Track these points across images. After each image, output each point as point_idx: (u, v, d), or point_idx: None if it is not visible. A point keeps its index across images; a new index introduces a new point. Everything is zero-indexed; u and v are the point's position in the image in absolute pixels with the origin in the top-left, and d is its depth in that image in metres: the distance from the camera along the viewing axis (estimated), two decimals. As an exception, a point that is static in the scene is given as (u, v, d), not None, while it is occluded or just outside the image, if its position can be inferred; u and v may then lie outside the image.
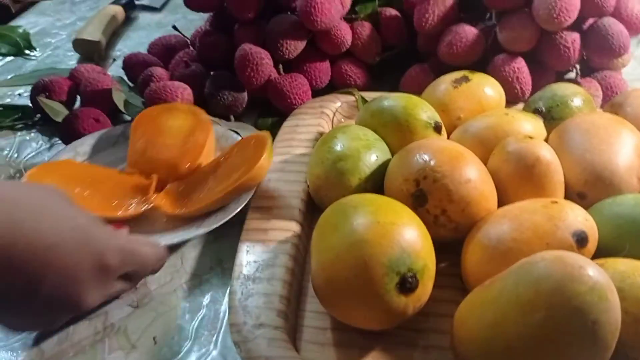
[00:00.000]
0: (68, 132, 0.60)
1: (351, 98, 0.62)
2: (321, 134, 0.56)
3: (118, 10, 0.89)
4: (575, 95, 0.53)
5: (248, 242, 0.46)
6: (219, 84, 0.62)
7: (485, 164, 0.46)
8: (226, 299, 0.45)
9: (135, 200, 0.51)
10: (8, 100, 0.72)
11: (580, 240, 0.38)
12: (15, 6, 1.06)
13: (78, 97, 0.67)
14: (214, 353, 0.42)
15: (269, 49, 0.62)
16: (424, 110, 0.51)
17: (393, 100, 0.52)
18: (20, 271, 0.34)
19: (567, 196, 0.45)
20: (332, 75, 0.66)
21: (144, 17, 0.92)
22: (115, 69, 0.75)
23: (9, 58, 0.82)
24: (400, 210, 0.40)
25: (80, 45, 0.81)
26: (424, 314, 0.41)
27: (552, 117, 0.53)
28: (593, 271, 0.32)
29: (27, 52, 0.83)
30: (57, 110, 0.63)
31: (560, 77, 0.62)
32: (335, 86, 0.66)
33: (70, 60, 0.81)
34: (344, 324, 0.40)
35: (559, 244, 0.38)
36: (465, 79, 0.56)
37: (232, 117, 0.63)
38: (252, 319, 0.40)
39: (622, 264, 0.37)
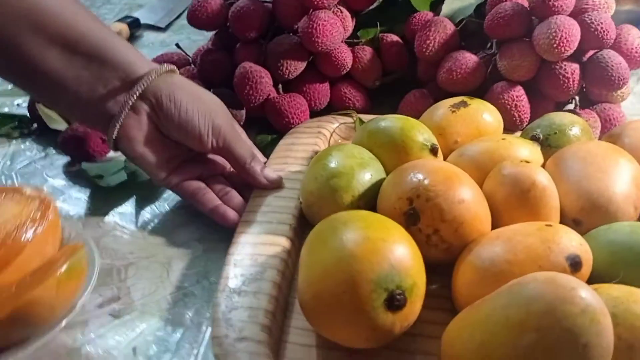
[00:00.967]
0: (76, 151, 0.60)
1: (349, 120, 0.62)
2: (317, 152, 0.56)
3: (123, 27, 0.90)
4: (574, 124, 0.53)
5: (236, 255, 0.45)
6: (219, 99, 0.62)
7: (481, 188, 0.46)
8: (210, 313, 0.44)
9: None
10: (6, 109, 0.72)
11: (575, 265, 0.38)
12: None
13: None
14: (195, 367, 0.41)
15: (270, 69, 0.63)
16: (420, 133, 0.51)
17: (390, 121, 0.52)
18: None
19: (563, 223, 0.45)
20: (331, 98, 0.66)
21: (148, 36, 0.93)
22: None
23: None
24: (391, 228, 0.39)
25: None
26: (412, 334, 0.40)
27: (550, 145, 0.52)
28: (585, 293, 0.32)
29: None
30: (54, 119, 0.63)
31: (559, 108, 0.62)
32: (335, 108, 0.66)
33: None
34: (330, 342, 0.39)
35: (553, 268, 0.37)
36: (464, 104, 0.56)
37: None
38: (234, 332, 0.39)
39: (616, 290, 0.36)
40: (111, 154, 0.61)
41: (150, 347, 0.42)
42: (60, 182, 0.60)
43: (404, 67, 0.68)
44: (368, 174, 0.48)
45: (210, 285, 0.47)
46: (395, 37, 0.68)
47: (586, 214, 0.44)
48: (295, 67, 0.63)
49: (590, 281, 0.39)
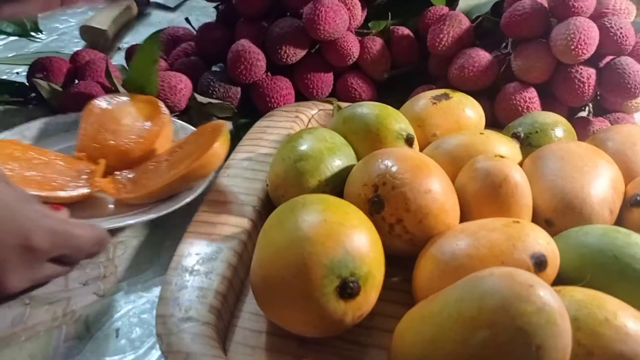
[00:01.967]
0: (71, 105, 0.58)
1: (330, 107, 0.60)
2: (291, 136, 0.54)
3: (132, 4, 0.88)
4: (557, 124, 0.52)
5: (194, 234, 0.43)
6: (214, 76, 0.61)
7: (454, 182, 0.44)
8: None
9: (79, 183, 0.48)
10: (5, 77, 0.70)
11: (539, 264, 0.36)
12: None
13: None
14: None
15: (268, 51, 0.61)
16: (397, 121, 0.49)
17: (367, 108, 0.50)
18: None
19: (535, 223, 0.43)
20: (337, 88, 0.64)
21: (156, 15, 0.92)
22: (119, 59, 0.74)
23: (13, 37, 0.80)
24: (351, 212, 0.38)
25: (87, 32, 0.80)
26: (367, 327, 0.38)
27: (530, 143, 0.51)
28: (544, 292, 0.30)
29: (32, 34, 0.81)
30: (51, 92, 0.61)
31: (572, 114, 0.59)
32: (340, 99, 0.63)
33: (76, 47, 0.79)
34: (281, 329, 0.37)
35: (516, 265, 0.35)
36: (446, 96, 0.54)
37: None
38: (180, 312, 0.37)
39: (580, 293, 0.34)
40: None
41: (133, 330, 0.41)
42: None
43: (414, 61, 0.66)
44: (337, 159, 0.46)
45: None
46: (406, 30, 0.66)
47: (559, 214, 0.43)
48: (295, 53, 0.61)
49: (557, 283, 0.37)
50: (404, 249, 0.41)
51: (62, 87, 0.62)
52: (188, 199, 0.46)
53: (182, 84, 0.61)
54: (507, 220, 0.39)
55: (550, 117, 0.52)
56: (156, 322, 0.37)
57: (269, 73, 0.63)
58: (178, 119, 0.58)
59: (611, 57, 0.56)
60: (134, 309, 0.42)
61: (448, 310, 0.31)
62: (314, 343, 0.38)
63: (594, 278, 0.37)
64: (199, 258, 0.41)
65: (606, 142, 0.50)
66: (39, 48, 0.79)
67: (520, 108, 0.56)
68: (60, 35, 0.83)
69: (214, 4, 0.70)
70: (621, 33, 0.54)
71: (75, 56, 0.66)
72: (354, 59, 0.63)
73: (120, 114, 0.54)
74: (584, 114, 0.60)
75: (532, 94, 0.57)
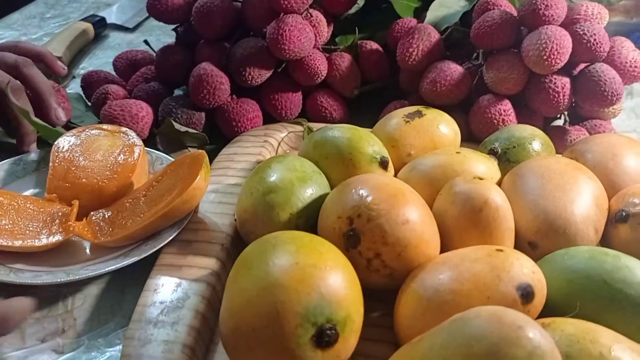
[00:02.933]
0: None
1: (300, 128, 0.58)
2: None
3: (88, 27, 0.84)
4: (534, 138, 0.50)
5: (157, 280, 0.40)
6: (175, 102, 0.58)
7: (433, 206, 0.42)
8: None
9: (53, 229, 0.45)
10: None
11: (526, 295, 0.34)
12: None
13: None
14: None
15: (231, 73, 0.58)
16: (370, 144, 0.47)
17: (338, 131, 0.48)
18: None
19: (518, 245, 0.41)
20: (307, 108, 0.62)
21: (114, 37, 0.88)
22: (76, 87, 0.70)
23: None
24: (325, 252, 0.35)
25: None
26: (348, 371, 0.36)
27: (508, 159, 0.49)
28: (534, 333, 0.28)
29: None
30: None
31: (548, 123, 0.58)
32: (311, 119, 0.61)
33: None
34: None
35: (502, 298, 0.33)
36: (419, 113, 0.52)
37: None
38: (145, 371, 0.34)
39: (572, 326, 0.32)
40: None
41: None
42: None
43: (385, 76, 0.64)
44: (309, 189, 0.43)
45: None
46: (375, 45, 0.64)
47: (543, 236, 0.41)
48: (260, 74, 0.58)
49: (545, 312, 0.35)
50: (383, 284, 0.39)
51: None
52: (169, 238, 0.43)
53: (144, 111, 0.58)
54: (490, 248, 0.36)
55: (527, 130, 0.51)
56: (119, 383, 0.34)
57: (234, 96, 0.60)
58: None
59: (585, 64, 0.55)
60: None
61: (433, 357, 0.29)
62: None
63: (584, 306, 0.35)
64: (163, 307, 0.38)
65: (585, 155, 0.48)
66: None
67: (495, 121, 0.55)
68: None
69: (173, 26, 0.67)
70: (595, 40, 0.53)
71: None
72: (323, 77, 0.60)
73: (90, 149, 0.51)
74: (560, 122, 0.59)
75: (506, 106, 0.55)
